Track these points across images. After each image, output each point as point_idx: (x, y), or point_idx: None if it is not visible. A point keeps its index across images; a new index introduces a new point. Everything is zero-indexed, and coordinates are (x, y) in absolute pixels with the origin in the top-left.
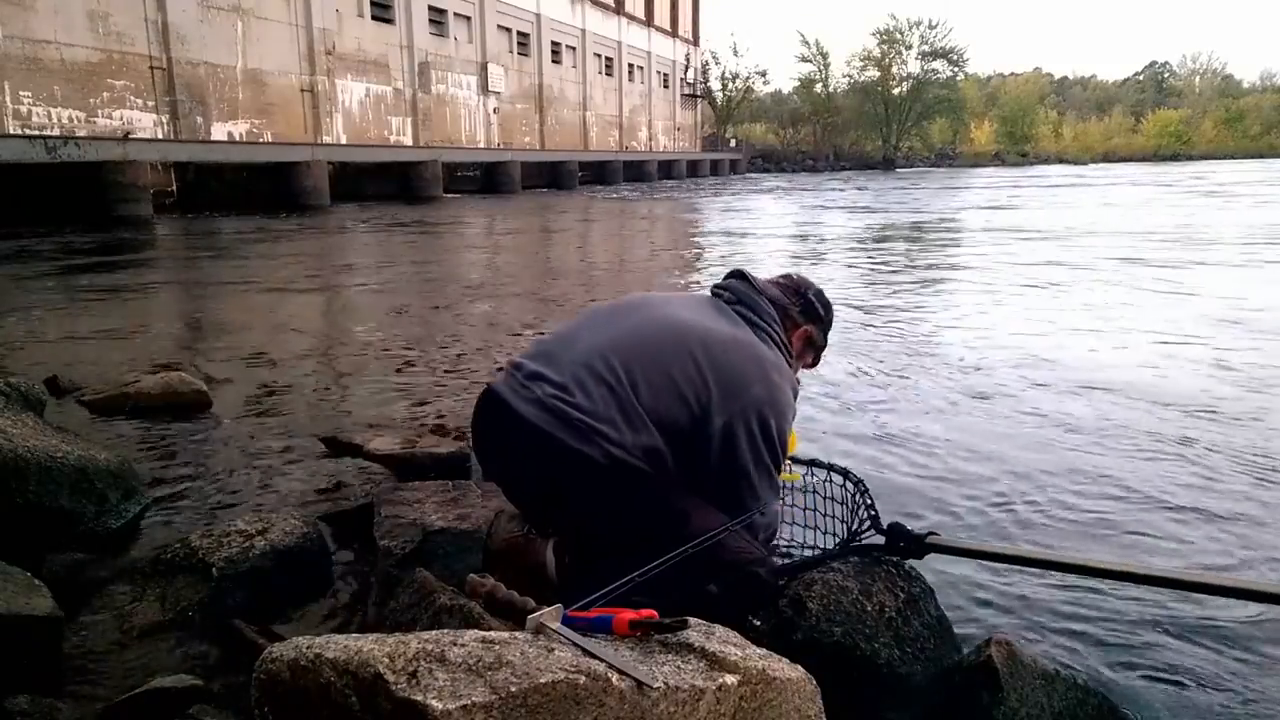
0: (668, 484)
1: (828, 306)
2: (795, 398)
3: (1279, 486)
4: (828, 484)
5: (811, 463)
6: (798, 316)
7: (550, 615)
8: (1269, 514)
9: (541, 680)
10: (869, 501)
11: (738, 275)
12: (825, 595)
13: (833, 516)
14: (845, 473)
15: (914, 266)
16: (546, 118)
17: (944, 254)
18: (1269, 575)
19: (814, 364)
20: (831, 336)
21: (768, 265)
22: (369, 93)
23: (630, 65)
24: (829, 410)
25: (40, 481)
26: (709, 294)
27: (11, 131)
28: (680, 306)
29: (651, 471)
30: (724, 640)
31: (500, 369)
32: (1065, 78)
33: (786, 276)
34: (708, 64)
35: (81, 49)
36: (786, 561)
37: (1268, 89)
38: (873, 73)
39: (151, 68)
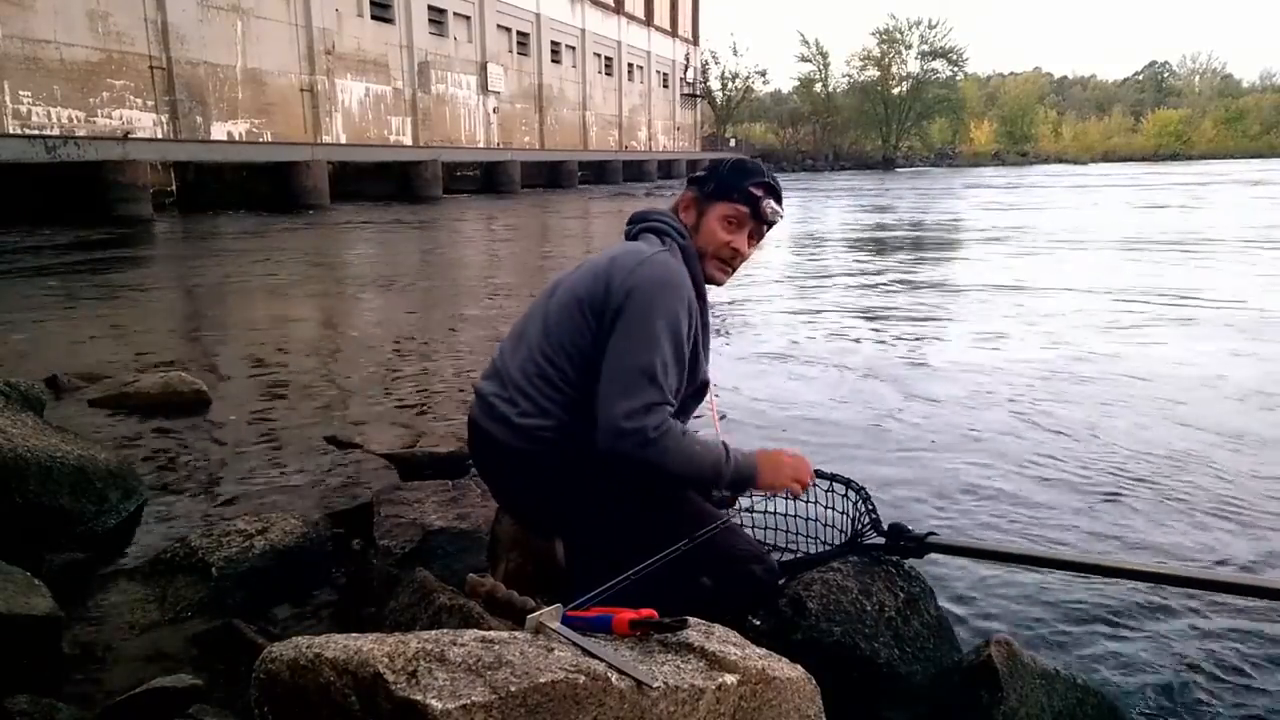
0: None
1: (713, 167)
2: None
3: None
4: (830, 494)
5: (814, 473)
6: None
7: (550, 615)
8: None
9: (541, 680)
10: (870, 507)
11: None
12: (825, 595)
13: (834, 528)
14: (848, 482)
15: (913, 271)
16: (546, 117)
17: (944, 263)
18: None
19: (739, 228)
20: (833, 332)
21: (768, 265)
22: (369, 92)
23: (630, 65)
24: (834, 411)
25: (40, 481)
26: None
27: (11, 131)
28: (582, 265)
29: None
30: (724, 640)
31: (476, 390)
32: (1065, 77)
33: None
34: (707, 64)
35: (81, 49)
36: (786, 560)
37: (1268, 89)
38: (872, 72)
39: (151, 67)
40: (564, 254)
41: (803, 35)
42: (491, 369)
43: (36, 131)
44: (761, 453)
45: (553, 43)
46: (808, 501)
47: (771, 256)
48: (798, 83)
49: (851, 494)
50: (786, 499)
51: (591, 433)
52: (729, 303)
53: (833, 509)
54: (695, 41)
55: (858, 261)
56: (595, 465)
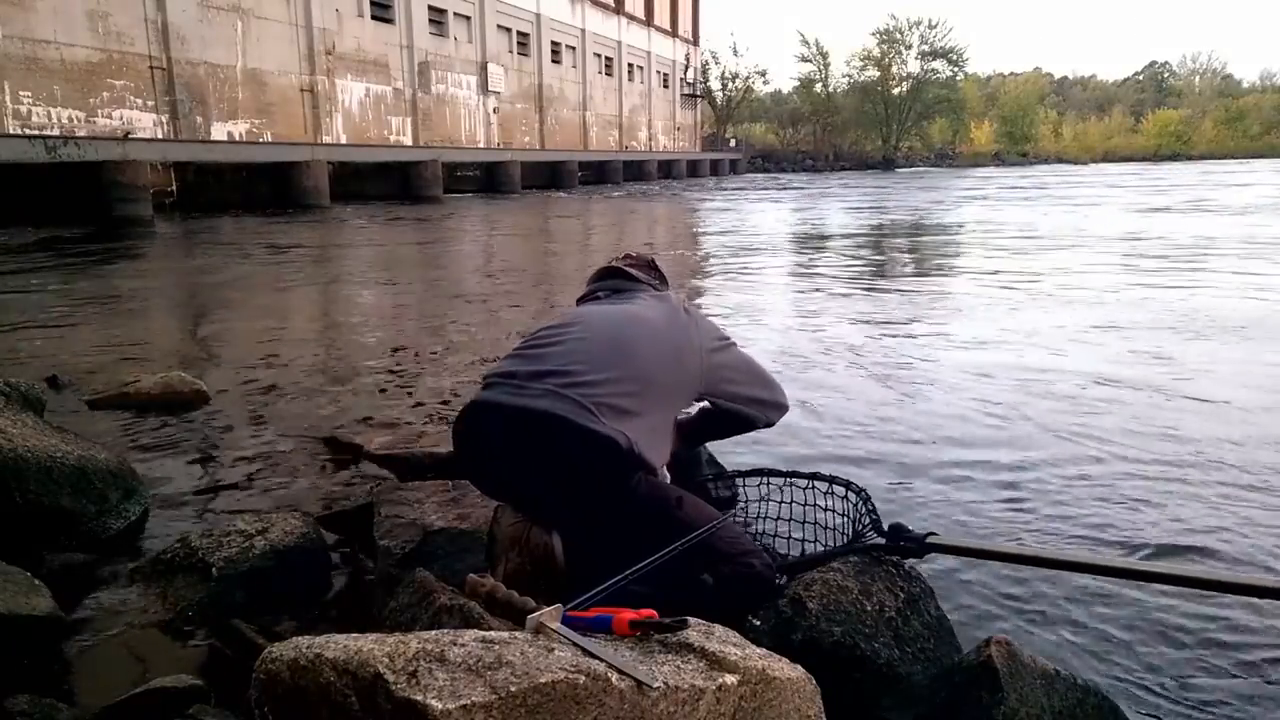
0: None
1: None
2: None
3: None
4: (829, 496)
5: (813, 476)
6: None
7: (550, 615)
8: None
9: (541, 680)
10: (871, 508)
11: (611, 273)
12: (825, 595)
13: (834, 530)
14: (848, 484)
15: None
16: (546, 118)
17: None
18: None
19: None
20: (837, 334)
21: (772, 264)
22: (369, 93)
23: (630, 65)
24: (833, 410)
25: (40, 481)
26: (611, 293)
27: (11, 131)
28: (620, 307)
29: (649, 459)
30: (724, 640)
31: (491, 384)
32: (1065, 78)
33: (632, 256)
34: (707, 64)
35: (81, 49)
36: (786, 561)
37: (1268, 89)
38: (872, 72)
39: (151, 68)
40: (566, 258)
41: (803, 35)
42: (525, 358)
43: (37, 131)
44: None
45: (553, 43)
46: (808, 505)
47: (770, 253)
48: (798, 83)
49: (852, 495)
50: (788, 503)
51: (623, 423)
52: (728, 305)
53: (833, 511)
54: (695, 42)
55: (856, 261)
56: (627, 450)
